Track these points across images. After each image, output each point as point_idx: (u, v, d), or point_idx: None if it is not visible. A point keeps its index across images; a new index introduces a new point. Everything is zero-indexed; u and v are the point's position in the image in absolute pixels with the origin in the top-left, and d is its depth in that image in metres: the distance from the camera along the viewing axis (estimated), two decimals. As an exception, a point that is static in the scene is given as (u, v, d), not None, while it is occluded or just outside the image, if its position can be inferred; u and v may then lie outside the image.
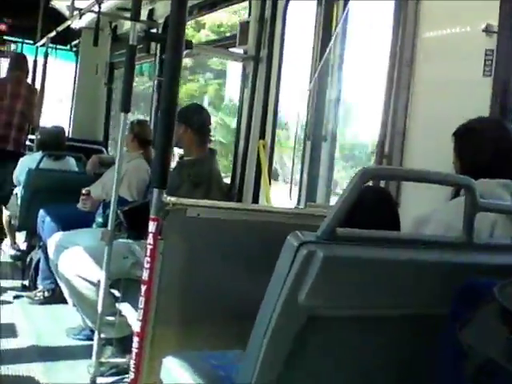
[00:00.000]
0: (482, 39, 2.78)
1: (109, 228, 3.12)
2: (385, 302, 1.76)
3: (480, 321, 1.44)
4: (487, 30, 2.76)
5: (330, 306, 1.70)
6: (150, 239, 2.17)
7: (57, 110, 8.96)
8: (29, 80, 6.77)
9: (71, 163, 5.71)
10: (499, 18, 2.73)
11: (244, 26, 4.81)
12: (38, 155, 5.48)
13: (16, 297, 4.78)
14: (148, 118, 6.40)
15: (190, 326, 2.30)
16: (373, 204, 2.17)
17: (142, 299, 2.12)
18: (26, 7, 7.58)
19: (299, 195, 4.10)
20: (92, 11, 6.00)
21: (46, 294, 4.70)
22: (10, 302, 4.66)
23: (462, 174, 2.15)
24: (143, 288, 2.12)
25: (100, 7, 5.80)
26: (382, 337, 1.78)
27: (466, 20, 2.91)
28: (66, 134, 7.26)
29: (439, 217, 2.10)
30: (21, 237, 5.89)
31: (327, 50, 3.79)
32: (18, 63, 6.63)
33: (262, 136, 4.47)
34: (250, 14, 4.81)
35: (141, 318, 2.11)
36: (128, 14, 5.74)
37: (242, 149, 4.60)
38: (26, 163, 5.51)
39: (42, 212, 4.87)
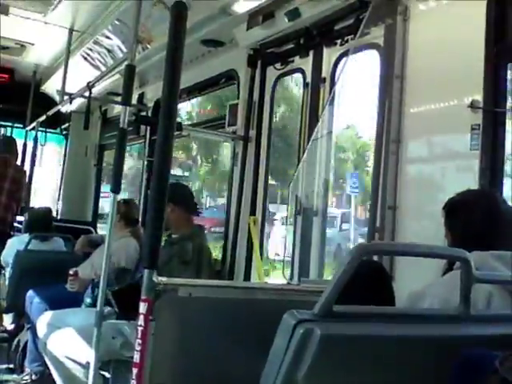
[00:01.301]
0: (467, 114, 2.85)
1: (98, 309, 3.06)
2: (384, 377, 1.72)
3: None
4: (472, 106, 2.84)
5: (330, 383, 1.66)
6: (141, 320, 2.12)
7: (47, 192, 8.98)
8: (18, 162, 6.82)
9: (60, 244, 5.67)
10: (483, 93, 2.81)
11: (233, 107, 4.93)
12: (25, 237, 5.46)
13: (1, 382, 4.63)
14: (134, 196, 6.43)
15: (183, 408, 2.22)
16: (367, 279, 2.15)
17: (133, 382, 2.05)
18: (16, 92, 7.71)
19: (292, 271, 4.10)
20: (83, 96, 6.10)
21: (34, 376, 4.58)
22: None
23: (454, 246, 2.17)
24: (134, 371, 2.05)
25: (91, 92, 5.90)
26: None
27: (451, 96, 2.99)
28: (56, 215, 7.24)
29: (435, 291, 2.08)
30: (8, 319, 5.76)
31: (315, 131, 3.86)
32: (7, 146, 6.71)
33: (253, 212, 4.54)
34: (238, 97, 4.92)
35: (133, 401, 2.04)
36: (118, 98, 5.88)
37: (233, 225, 4.62)
38: (14, 244, 5.48)
39: (30, 293, 4.81)
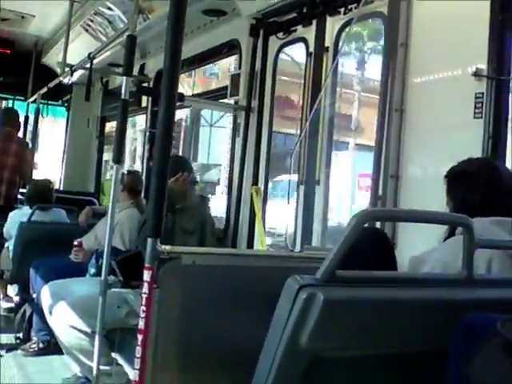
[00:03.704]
0: (471, 83, 2.83)
1: (102, 278, 3.09)
2: (387, 341, 1.74)
3: (486, 356, 1.43)
4: (476, 74, 2.82)
5: (332, 347, 1.69)
6: (145, 288, 2.13)
7: (49, 164, 9.00)
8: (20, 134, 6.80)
9: (62, 215, 5.68)
10: (488, 62, 2.79)
11: (235, 78, 4.91)
12: (27, 209, 5.46)
13: (9, 349, 4.67)
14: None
15: (189, 373, 2.24)
16: (369, 245, 2.16)
17: (138, 348, 2.07)
18: (17, 64, 7.68)
19: (294, 238, 4.12)
20: (83, 68, 6.08)
21: (41, 345, 4.62)
22: (1, 356, 4.55)
23: (455, 213, 2.18)
24: (140, 337, 2.07)
25: (92, 63, 5.87)
26: (385, 375, 1.75)
27: (455, 64, 2.97)
28: (58, 187, 7.23)
29: (436, 256, 2.10)
30: (13, 290, 5.78)
31: (317, 100, 3.84)
32: (9, 119, 6.66)
33: (255, 182, 4.57)
34: (240, 67, 4.90)
35: (138, 366, 2.06)
36: (119, 70, 5.85)
37: (235, 195, 4.65)
38: (17, 217, 5.48)
39: (34, 264, 4.82)
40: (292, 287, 1.63)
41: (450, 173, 2.33)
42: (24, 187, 6.53)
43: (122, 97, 3.32)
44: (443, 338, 1.67)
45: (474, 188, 2.22)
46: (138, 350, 2.07)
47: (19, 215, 5.50)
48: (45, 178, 6.05)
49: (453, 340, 1.65)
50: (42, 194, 5.56)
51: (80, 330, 3.50)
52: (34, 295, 4.75)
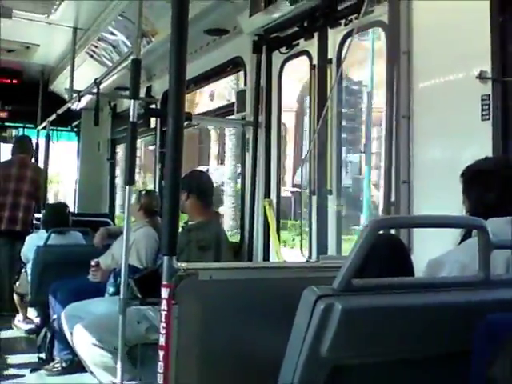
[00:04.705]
0: (476, 86, 2.84)
1: (121, 296, 3.11)
2: (407, 346, 1.75)
3: (509, 356, 1.43)
4: (481, 77, 2.83)
5: (353, 355, 1.70)
6: (164, 305, 2.15)
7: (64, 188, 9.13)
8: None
9: (78, 237, 5.74)
10: (491, 63, 2.80)
11: (241, 94, 4.94)
12: (43, 233, 5.52)
13: (33, 370, 4.70)
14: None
15: (211, 386, 2.26)
16: (385, 252, 2.16)
17: (160, 364, 2.09)
18: (25, 93, 7.77)
19: (310, 249, 4.13)
20: (91, 93, 6.14)
21: (64, 364, 4.65)
22: (23, 376, 4.59)
23: (472, 213, 2.18)
24: (161, 353, 2.08)
25: (99, 88, 5.94)
26: (407, 380, 1.76)
27: (460, 68, 2.98)
28: (73, 210, 7.30)
29: (454, 258, 2.10)
30: (33, 311, 5.87)
31: (324, 111, 3.86)
32: (23, 146, 6.75)
33: (267, 195, 4.60)
34: (245, 83, 4.93)
35: (161, 381, 2.08)
36: (126, 93, 5.90)
37: (248, 208, 4.68)
38: (34, 241, 5.56)
39: (53, 286, 4.87)
40: (309, 298, 1.65)
41: (466, 171, 2.32)
42: (39, 212, 6.60)
43: (131, 119, 3.35)
44: (464, 340, 1.67)
45: (491, 186, 2.21)
46: (160, 366, 2.09)
47: (36, 239, 5.58)
48: (60, 202, 6.12)
49: (474, 341, 1.65)
50: (58, 218, 5.63)
51: (102, 348, 3.55)
52: (55, 316, 4.79)
